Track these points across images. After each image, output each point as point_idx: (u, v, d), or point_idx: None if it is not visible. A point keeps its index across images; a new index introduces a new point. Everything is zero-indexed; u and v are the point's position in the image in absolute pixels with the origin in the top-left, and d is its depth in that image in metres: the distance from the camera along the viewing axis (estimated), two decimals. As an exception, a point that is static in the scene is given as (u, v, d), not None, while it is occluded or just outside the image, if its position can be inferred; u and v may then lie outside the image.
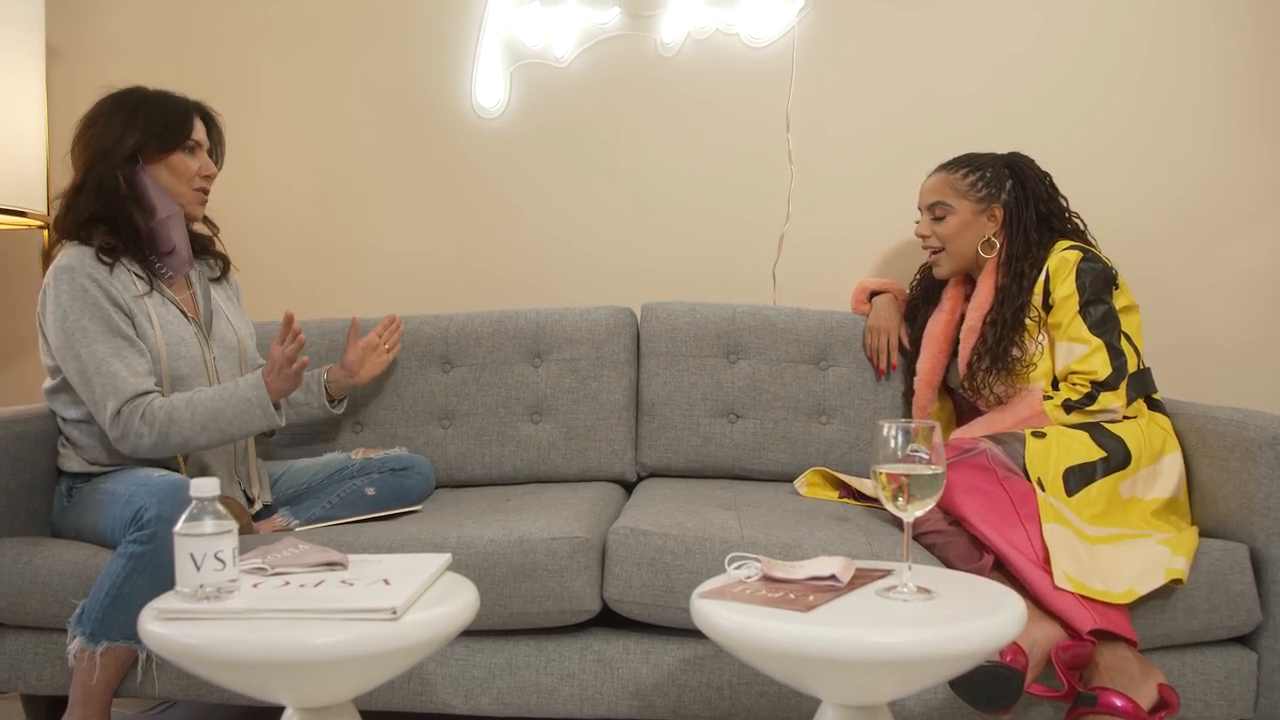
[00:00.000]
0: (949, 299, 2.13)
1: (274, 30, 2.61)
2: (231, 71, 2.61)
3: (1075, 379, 1.87)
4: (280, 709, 1.26)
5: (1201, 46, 2.42)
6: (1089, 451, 1.79)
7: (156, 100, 1.87)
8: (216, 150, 1.96)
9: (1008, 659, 1.47)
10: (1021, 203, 2.01)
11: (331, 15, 2.60)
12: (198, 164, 1.88)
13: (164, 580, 1.34)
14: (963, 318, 2.07)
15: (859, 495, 2.03)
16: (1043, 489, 1.73)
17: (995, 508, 1.65)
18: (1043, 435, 1.80)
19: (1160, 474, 1.83)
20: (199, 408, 1.75)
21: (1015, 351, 1.92)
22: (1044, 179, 2.05)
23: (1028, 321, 1.92)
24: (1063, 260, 1.91)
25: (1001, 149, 2.11)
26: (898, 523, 1.70)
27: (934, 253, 2.08)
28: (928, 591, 1.27)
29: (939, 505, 1.66)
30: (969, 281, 2.10)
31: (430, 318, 2.34)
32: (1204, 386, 2.37)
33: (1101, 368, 1.84)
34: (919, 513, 1.27)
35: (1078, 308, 1.87)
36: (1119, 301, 1.91)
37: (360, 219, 2.61)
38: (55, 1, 2.56)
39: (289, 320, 1.80)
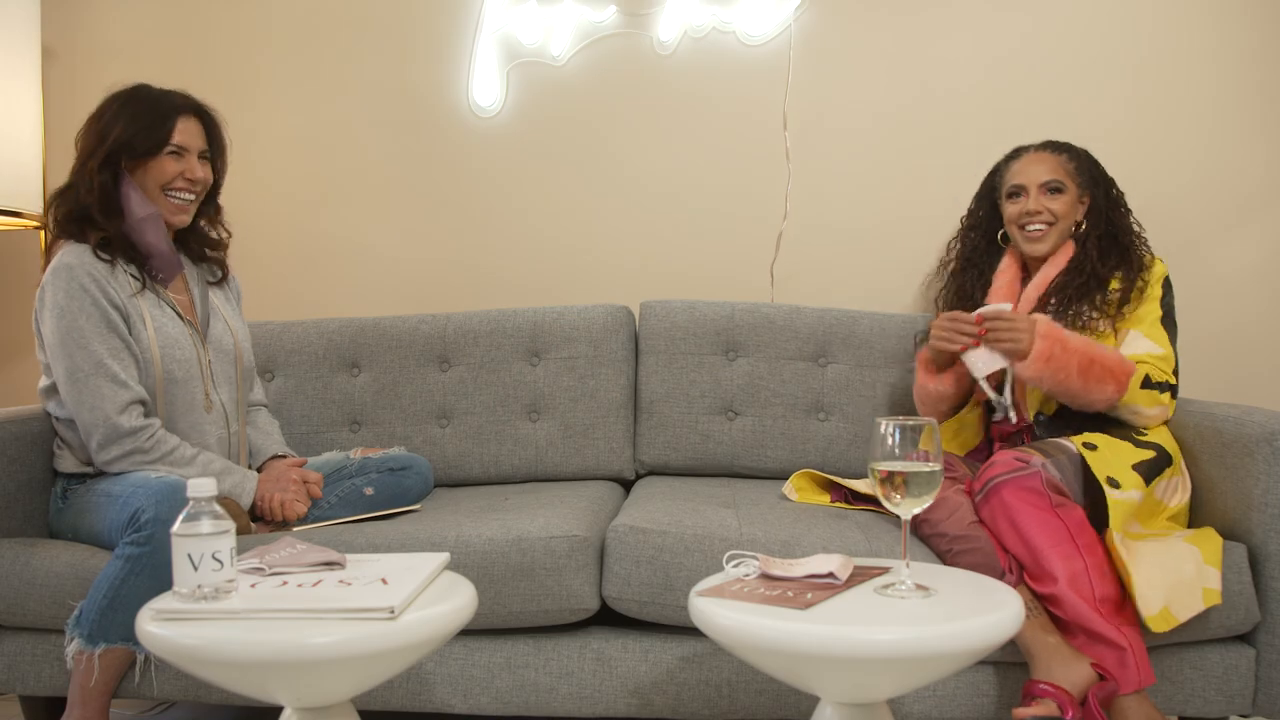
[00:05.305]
0: (1006, 272, 2.07)
1: (269, 30, 2.60)
2: (227, 72, 2.60)
3: (1154, 363, 1.86)
4: (279, 709, 1.27)
5: (1198, 40, 2.42)
6: (1139, 453, 1.77)
7: (146, 101, 1.83)
8: (214, 153, 1.91)
9: (1069, 717, 1.48)
10: (1101, 196, 2.02)
11: (327, 15, 2.59)
12: (181, 168, 1.83)
13: (162, 581, 1.34)
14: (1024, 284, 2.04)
15: (852, 497, 1.98)
16: (1116, 486, 1.68)
17: (1054, 535, 1.61)
18: (1094, 448, 1.76)
19: (1185, 481, 1.83)
20: (196, 465, 1.77)
21: (1081, 320, 1.92)
22: (1111, 179, 2.06)
23: (1093, 313, 1.92)
24: (1157, 274, 1.96)
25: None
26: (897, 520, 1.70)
27: (1042, 228, 1.99)
28: (926, 589, 1.27)
29: (986, 522, 1.66)
30: (1024, 268, 2.07)
31: (428, 317, 2.33)
32: (1201, 383, 2.37)
33: (1172, 373, 1.88)
34: (916, 509, 1.27)
35: (1159, 316, 1.92)
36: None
37: (357, 218, 2.60)
38: (51, 3, 2.55)
39: (319, 485, 1.93)
